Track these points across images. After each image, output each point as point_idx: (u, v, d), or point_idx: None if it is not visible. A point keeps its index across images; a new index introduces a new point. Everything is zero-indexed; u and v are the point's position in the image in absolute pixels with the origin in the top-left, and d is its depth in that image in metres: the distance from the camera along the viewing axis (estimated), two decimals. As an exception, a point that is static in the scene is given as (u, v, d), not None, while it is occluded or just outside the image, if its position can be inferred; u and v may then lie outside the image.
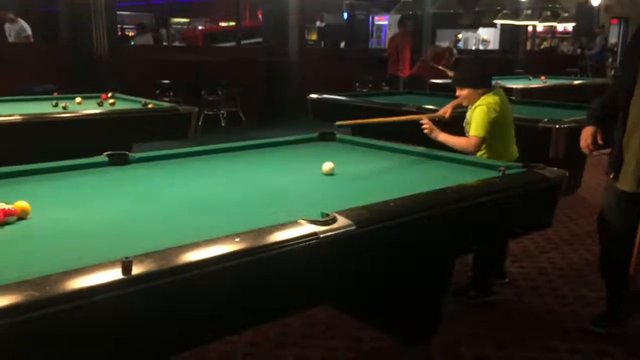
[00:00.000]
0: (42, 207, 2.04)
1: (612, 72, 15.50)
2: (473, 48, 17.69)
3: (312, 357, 2.76)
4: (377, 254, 2.09)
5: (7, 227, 1.86)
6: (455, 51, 8.82)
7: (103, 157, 2.82)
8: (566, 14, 14.07)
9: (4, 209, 1.88)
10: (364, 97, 6.95)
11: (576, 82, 9.91)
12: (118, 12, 10.40)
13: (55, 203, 2.18)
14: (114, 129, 4.44)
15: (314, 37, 16.27)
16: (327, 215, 1.91)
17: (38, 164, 2.62)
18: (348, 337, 2.90)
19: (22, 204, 1.94)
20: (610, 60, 17.04)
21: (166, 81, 9.11)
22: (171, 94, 8.97)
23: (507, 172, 2.62)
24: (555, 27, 18.08)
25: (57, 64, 8.28)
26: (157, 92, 8.74)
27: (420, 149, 3.25)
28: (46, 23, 11.40)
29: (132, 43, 11.89)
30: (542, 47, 19.24)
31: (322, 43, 15.65)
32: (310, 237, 1.79)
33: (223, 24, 16.91)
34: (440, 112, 3.65)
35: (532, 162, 2.80)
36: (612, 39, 18.94)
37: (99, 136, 4.29)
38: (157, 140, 4.90)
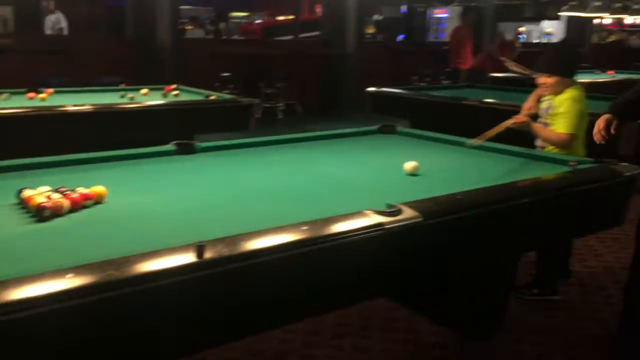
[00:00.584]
0: (117, 192, 2.12)
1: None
2: (535, 41, 17.18)
3: (371, 347, 2.76)
4: (442, 247, 2.06)
5: (85, 210, 1.94)
6: (519, 44, 8.61)
7: (171, 146, 2.90)
8: (637, 6, 13.48)
9: (82, 193, 1.96)
10: (423, 90, 6.87)
11: (646, 76, 9.49)
12: (180, 7, 10.64)
13: (129, 189, 2.26)
14: (178, 119, 4.56)
15: (371, 30, 16.18)
16: (393, 206, 1.91)
17: (111, 151, 2.72)
18: (407, 330, 2.89)
19: (99, 188, 2.02)
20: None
21: (226, 74, 9.27)
22: (231, 86, 9.12)
23: (578, 166, 2.55)
24: (623, 19, 17.34)
25: (122, 57, 8.56)
26: (217, 84, 8.90)
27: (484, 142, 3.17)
28: (112, 17, 11.81)
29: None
30: (610, 40, 18.49)
31: (380, 37, 15.55)
32: (376, 228, 1.79)
33: (281, 18, 17.02)
34: (527, 110, 3.30)
35: (600, 158, 2.70)
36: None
37: (163, 127, 4.41)
38: (219, 132, 4.99)
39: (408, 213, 1.88)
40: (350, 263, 1.83)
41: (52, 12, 9.67)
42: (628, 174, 2.56)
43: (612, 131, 2.72)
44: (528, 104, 3.38)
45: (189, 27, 12.97)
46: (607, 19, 15.82)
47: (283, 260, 1.64)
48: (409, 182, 2.50)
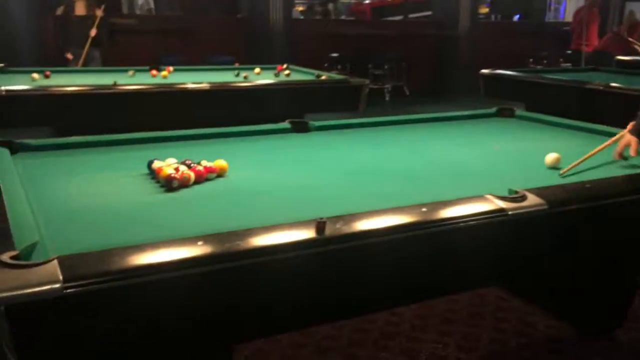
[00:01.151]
0: (237, 166, 2.19)
1: None
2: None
3: (480, 336, 2.69)
4: (567, 237, 1.96)
5: (207, 183, 2.02)
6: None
7: (286, 124, 2.95)
8: None
9: (206, 166, 2.04)
10: (542, 73, 6.51)
11: None
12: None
13: (248, 163, 2.33)
14: (289, 99, 4.64)
15: (484, 10, 15.56)
16: (516, 192, 1.83)
17: (230, 127, 2.81)
18: (520, 321, 2.79)
19: (221, 162, 2.10)
20: None
21: (334, 54, 9.30)
22: (339, 67, 9.15)
23: None
24: None
25: (236, 37, 8.82)
26: (326, 65, 8.96)
27: (609, 128, 2.94)
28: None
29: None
30: None
31: (494, 17, 14.92)
32: (498, 213, 1.72)
33: (391, -2, 16.77)
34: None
35: None
36: None
37: (276, 105, 4.50)
38: (328, 112, 5.02)
39: (532, 200, 1.79)
40: (468, 249, 1.78)
41: None
42: None
43: (633, 154, 2.37)
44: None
45: (301, 9, 13.11)
46: None
47: (401, 241, 1.62)
48: (530, 168, 2.38)
